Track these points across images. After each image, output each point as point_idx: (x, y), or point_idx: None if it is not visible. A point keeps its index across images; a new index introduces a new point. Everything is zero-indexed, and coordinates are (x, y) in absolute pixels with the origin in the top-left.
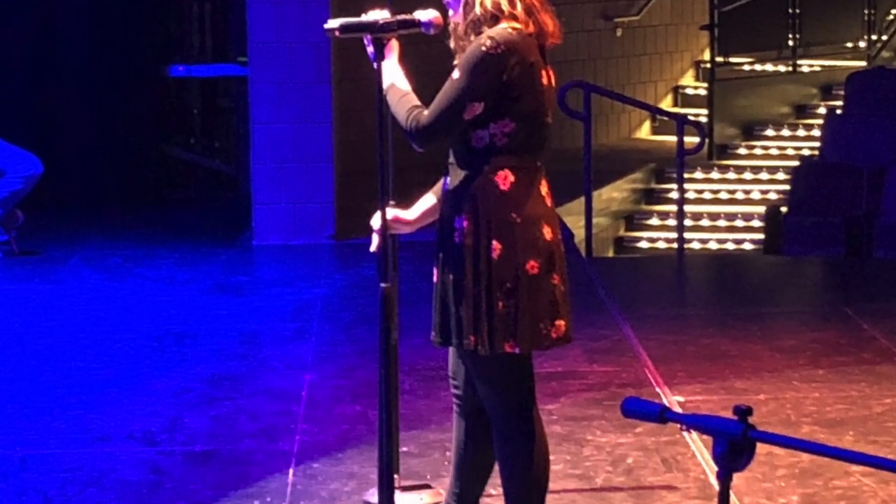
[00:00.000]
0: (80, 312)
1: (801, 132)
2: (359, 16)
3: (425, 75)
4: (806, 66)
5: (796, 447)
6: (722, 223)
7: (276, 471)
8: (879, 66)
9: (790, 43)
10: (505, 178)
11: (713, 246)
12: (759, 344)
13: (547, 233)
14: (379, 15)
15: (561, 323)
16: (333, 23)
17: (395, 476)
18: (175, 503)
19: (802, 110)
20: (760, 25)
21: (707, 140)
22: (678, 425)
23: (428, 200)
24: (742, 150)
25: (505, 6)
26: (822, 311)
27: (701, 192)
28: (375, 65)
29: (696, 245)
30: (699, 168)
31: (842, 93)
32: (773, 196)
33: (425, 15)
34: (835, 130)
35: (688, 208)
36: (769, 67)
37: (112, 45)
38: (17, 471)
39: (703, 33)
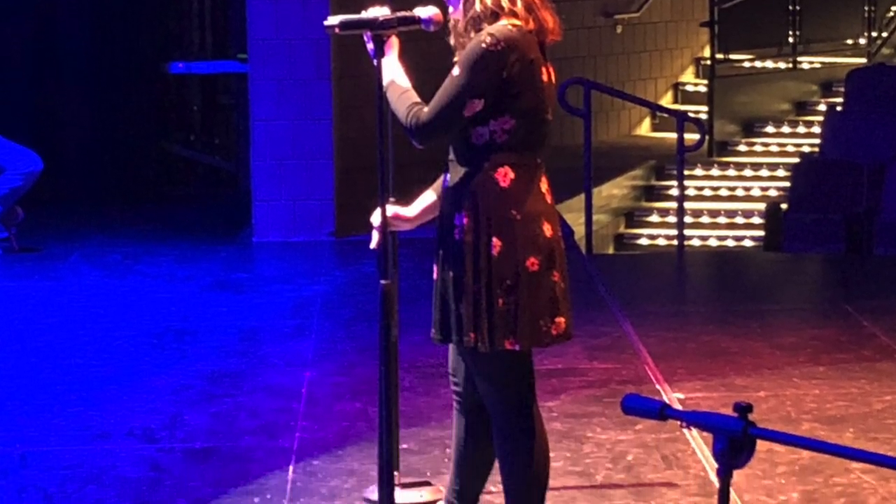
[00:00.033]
0: (79, 309)
1: (801, 129)
2: (359, 12)
3: (425, 72)
4: (806, 62)
5: (796, 444)
6: (722, 220)
7: (276, 468)
8: (880, 62)
9: (790, 40)
10: (505, 175)
11: (713, 243)
12: (760, 341)
13: (547, 230)
14: (379, 12)
15: (561, 320)
16: (333, 19)
17: (395, 473)
18: (175, 500)
19: (802, 107)
20: (760, 22)
21: (707, 137)
22: (678, 422)
23: (428, 197)
24: (742, 147)
25: (505, 3)
26: (823, 308)
27: (701, 188)
28: (375, 61)
29: (696, 242)
30: (699, 165)
31: (842, 90)
32: (773, 193)
33: (425, 12)
34: (835, 127)
35: (688, 205)
36: (769, 64)
37: (112, 42)
38: (16, 468)
39: (703, 30)
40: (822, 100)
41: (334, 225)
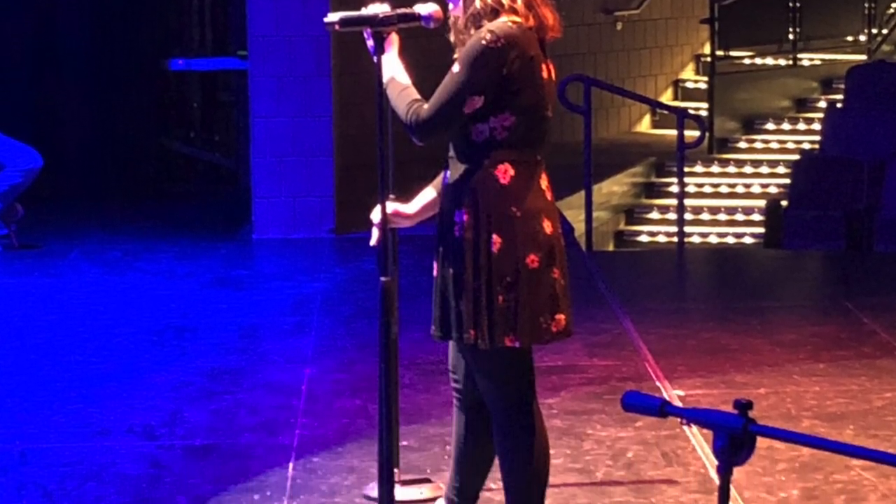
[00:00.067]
0: (79, 306)
1: (801, 126)
2: (359, 9)
3: (425, 69)
4: (806, 59)
5: (797, 441)
6: (722, 217)
7: (275, 465)
8: (880, 59)
9: (790, 37)
10: (505, 172)
11: (713, 240)
12: (760, 338)
13: (547, 227)
14: (379, 8)
15: (561, 317)
16: (333, 16)
17: (395, 470)
18: (175, 497)
19: (803, 104)
20: (761, 19)
21: (707, 134)
22: (678, 419)
23: (428, 194)
24: (742, 144)
25: (505, 0)
26: (823, 305)
27: (701, 185)
28: (375, 58)
29: (696, 239)
30: (699, 162)
31: (842, 86)
32: (773, 190)
33: (425, 9)
34: (835, 124)
35: (688, 202)
36: (769, 61)
37: (112, 39)
38: (16, 465)
39: (703, 27)
40: (823, 96)
41: (334, 222)
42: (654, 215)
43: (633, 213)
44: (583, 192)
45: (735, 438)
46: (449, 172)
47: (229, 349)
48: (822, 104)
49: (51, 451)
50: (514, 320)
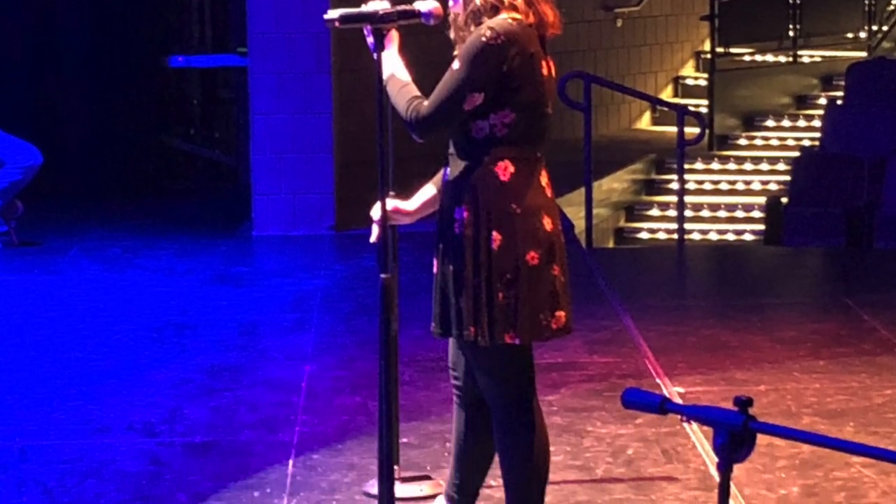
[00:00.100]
0: (79, 303)
1: (801, 123)
2: (359, 6)
3: (425, 66)
4: (806, 56)
5: (797, 438)
6: (722, 214)
7: (275, 462)
8: (880, 56)
9: (791, 33)
10: (505, 169)
11: (713, 237)
12: (760, 335)
13: (547, 223)
14: (379, 5)
15: (561, 314)
16: (333, 13)
17: (395, 467)
18: (174, 494)
19: (803, 101)
20: (761, 16)
21: (707, 131)
22: (678, 416)
23: (428, 191)
24: (742, 141)
25: None
26: (823, 302)
27: (701, 182)
28: (375, 55)
29: (696, 236)
30: (699, 159)
31: (842, 83)
32: (773, 187)
33: (425, 5)
34: (835, 121)
35: (688, 199)
36: (770, 58)
37: (112, 36)
38: (16, 462)
39: (703, 24)
40: (823, 93)
41: (334, 219)
42: (655, 212)
43: (634, 210)
44: (583, 189)
45: (735, 435)
46: (449, 169)
47: (229, 346)
48: (823, 101)
49: (51, 448)
50: (514, 317)
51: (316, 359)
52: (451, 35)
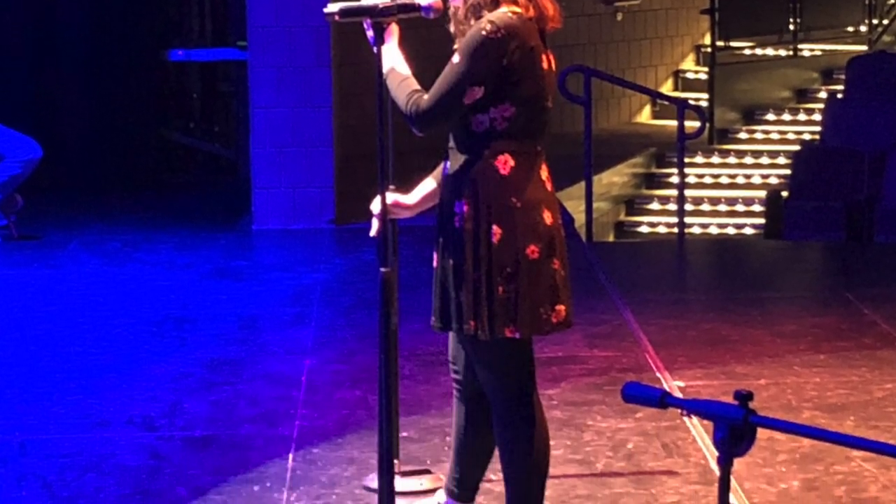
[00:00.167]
0: (79, 297)
1: (801, 116)
2: (358, 0)
3: (425, 59)
4: (807, 50)
5: (797, 432)
6: (722, 208)
7: (275, 456)
8: (880, 50)
9: (791, 27)
10: (505, 163)
11: (714, 231)
12: (760, 329)
13: (547, 217)
14: None
15: (561, 308)
16: (333, 7)
17: (395, 461)
18: (174, 488)
19: (803, 94)
20: (761, 9)
21: (708, 124)
22: (679, 410)
23: (428, 185)
24: (743, 135)
25: None
26: (823, 296)
27: (701, 176)
28: (375, 49)
29: (696, 230)
30: (700, 152)
31: (843, 77)
32: (773, 181)
33: None
34: (836, 115)
35: (688, 193)
36: (770, 52)
37: (111, 30)
38: (16, 456)
39: (703, 17)
40: (823, 87)
41: (334, 212)
42: (655, 206)
43: (634, 204)
44: (583, 183)
45: (735, 429)
46: (449, 163)
47: (229, 340)
48: (823, 95)
49: (50, 443)
50: (514, 311)
51: (316, 353)
52: (451, 29)
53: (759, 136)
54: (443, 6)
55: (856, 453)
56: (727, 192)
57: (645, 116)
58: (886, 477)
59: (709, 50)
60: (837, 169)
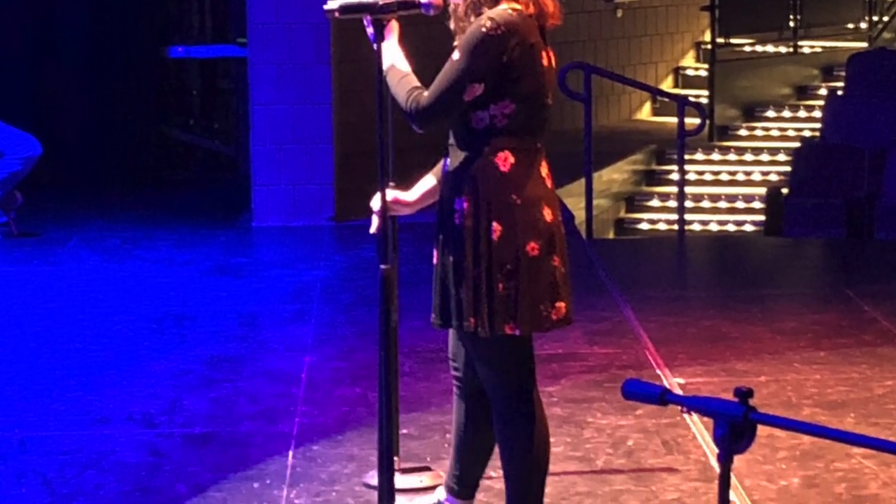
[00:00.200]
0: (79, 294)
1: (801, 113)
2: None
3: (425, 56)
4: (807, 47)
5: (797, 429)
6: (723, 205)
7: (275, 453)
8: (881, 47)
9: (791, 24)
10: (505, 160)
11: (714, 227)
12: (760, 326)
13: (547, 214)
14: None
15: (561, 305)
16: (333, 4)
17: (395, 458)
18: (174, 485)
19: (803, 91)
20: (761, 6)
21: (708, 121)
22: (679, 407)
23: (428, 182)
24: (743, 132)
25: None
26: (824, 293)
27: (702, 173)
28: (375, 46)
29: (696, 227)
30: (700, 149)
31: (843, 74)
32: (773, 177)
33: None
34: (836, 112)
35: (688, 190)
36: (770, 48)
37: (111, 27)
38: (15, 453)
39: (703, 14)
40: (823, 84)
41: (334, 209)
42: (655, 203)
43: (634, 201)
44: (583, 180)
45: (735, 426)
46: (449, 160)
47: (229, 337)
48: (823, 92)
49: (50, 439)
50: (514, 308)
51: (316, 350)
52: (451, 25)
53: (759, 132)
54: (443, 3)
55: (856, 450)
56: (727, 188)
57: (645, 113)
58: (887, 474)
59: (709, 47)
60: (838, 166)
